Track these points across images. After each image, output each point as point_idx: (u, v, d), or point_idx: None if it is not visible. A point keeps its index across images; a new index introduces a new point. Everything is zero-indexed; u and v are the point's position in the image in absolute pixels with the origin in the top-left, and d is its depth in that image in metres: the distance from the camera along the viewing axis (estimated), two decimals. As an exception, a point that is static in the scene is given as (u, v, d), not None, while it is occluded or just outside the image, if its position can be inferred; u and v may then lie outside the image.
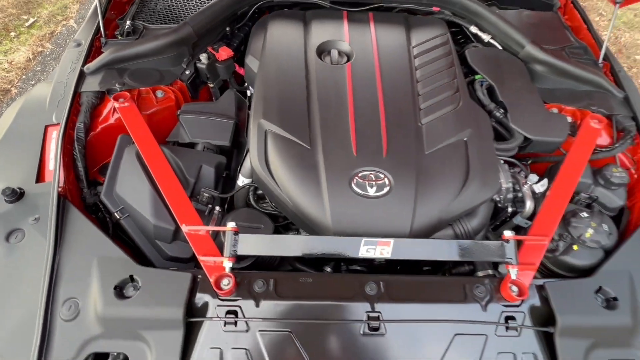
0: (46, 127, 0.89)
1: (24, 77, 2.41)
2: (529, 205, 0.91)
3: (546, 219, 0.81)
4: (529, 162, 1.01)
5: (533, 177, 0.91)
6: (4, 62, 2.46)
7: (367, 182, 0.79)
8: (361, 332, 0.70)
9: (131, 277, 0.72)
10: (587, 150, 0.90)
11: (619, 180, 0.88)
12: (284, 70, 0.96)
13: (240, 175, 0.92)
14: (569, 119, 0.97)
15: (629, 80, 1.07)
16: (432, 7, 1.19)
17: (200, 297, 0.72)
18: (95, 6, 1.08)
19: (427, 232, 0.80)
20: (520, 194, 0.92)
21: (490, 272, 0.84)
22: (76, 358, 0.67)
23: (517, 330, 0.71)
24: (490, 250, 0.75)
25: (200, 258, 0.73)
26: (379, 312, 0.71)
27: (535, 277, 0.78)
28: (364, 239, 0.72)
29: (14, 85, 2.35)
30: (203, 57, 1.05)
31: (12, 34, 2.68)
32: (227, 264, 0.71)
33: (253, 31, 1.11)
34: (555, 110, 1.01)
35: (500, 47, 1.11)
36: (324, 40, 1.04)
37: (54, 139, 0.87)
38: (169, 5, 1.19)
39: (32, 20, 2.80)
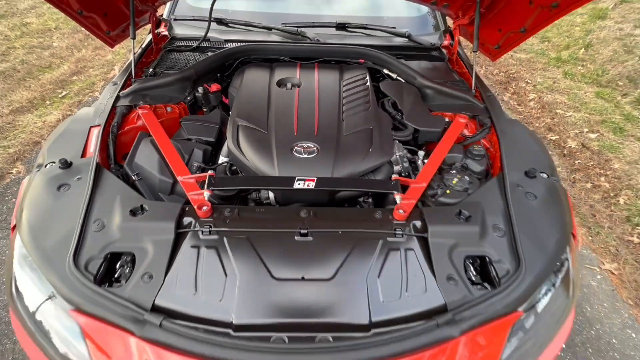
0: (90, 127, 1.31)
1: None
2: (422, 173, 1.30)
3: (425, 173, 1.20)
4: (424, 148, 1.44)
5: (421, 153, 1.33)
6: (38, 122, 3.01)
7: (302, 149, 1.20)
8: (295, 238, 1.03)
9: (141, 206, 1.06)
10: (456, 133, 1.33)
11: (477, 152, 1.30)
12: (253, 92, 1.44)
13: (220, 156, 1.33)
14: (446, 119, 1.43)
15: (492, 99, 1.56)
16: (360, 60, 1.74)
17: (187, 219, 1.05)
18: (128, 63, 1.61)
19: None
20: (417, 171, 1.33)
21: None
22: (99, 255, 0.98)
23: (402, 236, 1.04)
24: (383, 184, 1.13)
25: (189, 194, 1.09)
26: (308, 226, 1.05)
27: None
28: (297, 177, 1.10)
29: (44, 138, 2.85)
30: (200, 89, 1.54)
31: (47, 102, 3.29)
32: (206, 194, 1.07)
33: (235, 74, 1.63)
34: (439, 115, 1.47)
35: (403, 81, 1.63)
36: (282, 77, 1.54)
37: (95, 134, 1.29)
38: (179, 61, 1.73)
39: (64, 92, 3.46)
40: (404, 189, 1.15)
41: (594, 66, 4.03)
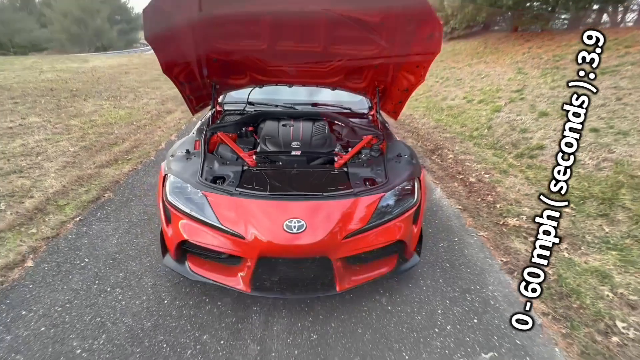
0: (195, 141, 2.80)
1: (126, 177, 4.37)
2: (351, 158, 2.80)
3: (350, 153, 2.69)
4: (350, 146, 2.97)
5: (350, 149, 2.85)
6: (116, 172, 4.47)
7: (295, 144, 2.71)
8: (292, 172, 2.44)
9: (227, 161, 2.49)
10: (366, 141, 2.88)
11: (376, 148, 2.82)
12: (271, 128, 3.02)
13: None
14: (363, 137, 2.99)
15: (389, 133, 3.14)
16: (324, 118, 3.39)
17: (245, 167, 2.47)
18: (206, 119, 3.21)
19: (315, 156, 2.66)
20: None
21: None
22: (210, 177, 2.36)
23: (338, 172, 2.48)
24: (331, 153, 2.60)
25: (246, 159, 2.53)
26: (297, 168, 2.48)
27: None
28: (291, 151, 2.57)
29: (122, 179, 4.28)
30: (243, 129, 3.11)
31: (119, 162, 4.81)
32: (254, 157, 2.52)
33: (260, 123, 3.24)
34: (360, 136, 3.05)
35: (344, 125, 3.25)
36: (284, 123, 3.15)
37: (198, 143, 2.78)
38: (230, 120, 3.34)
39: (130, 157, 5.02)
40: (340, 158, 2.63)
41: (492, 139, 5.90)
